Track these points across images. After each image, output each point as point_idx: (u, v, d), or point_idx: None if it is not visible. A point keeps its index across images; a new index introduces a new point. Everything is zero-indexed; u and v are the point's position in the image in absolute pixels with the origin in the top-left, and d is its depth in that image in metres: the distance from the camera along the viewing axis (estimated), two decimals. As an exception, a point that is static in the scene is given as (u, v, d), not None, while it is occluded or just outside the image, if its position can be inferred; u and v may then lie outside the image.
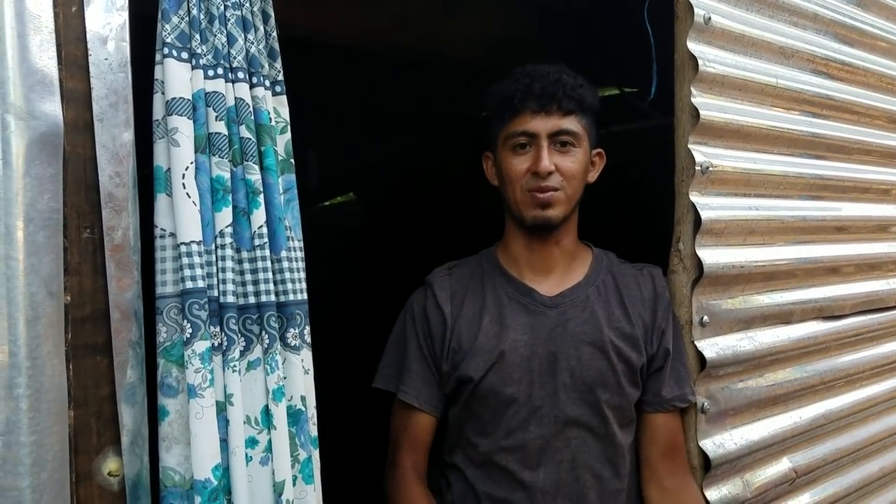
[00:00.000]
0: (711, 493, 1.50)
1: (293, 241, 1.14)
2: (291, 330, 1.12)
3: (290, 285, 1.11)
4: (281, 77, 1.14)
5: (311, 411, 1.14)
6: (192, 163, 1.02)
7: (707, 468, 1.50)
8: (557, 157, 1.41)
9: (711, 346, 1.52)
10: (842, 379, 1.85)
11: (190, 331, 1.00)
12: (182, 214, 1.01)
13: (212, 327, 1.03)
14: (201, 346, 1.00)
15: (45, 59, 0.92)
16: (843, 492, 1.86)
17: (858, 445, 1.90)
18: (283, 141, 1.14)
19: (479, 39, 1.99)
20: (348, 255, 3.79)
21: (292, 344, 1.12)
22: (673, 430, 1.49)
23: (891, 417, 2.02)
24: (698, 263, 1.49)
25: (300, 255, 1.15)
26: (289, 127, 1.14)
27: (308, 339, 1.14)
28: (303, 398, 1.12)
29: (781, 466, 1.68)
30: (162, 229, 1.04)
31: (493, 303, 1.46)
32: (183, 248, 1.01)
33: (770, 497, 1.66)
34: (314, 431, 1.14)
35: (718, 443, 1.53)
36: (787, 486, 1.69)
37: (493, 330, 1.43)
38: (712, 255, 1.50)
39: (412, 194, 3.80)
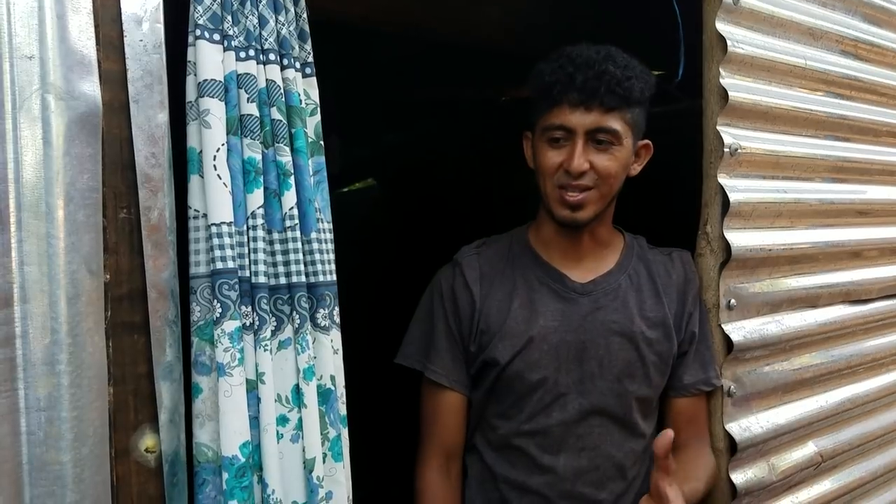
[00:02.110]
0: (737, 477, 1.51)
1: (323, 222, 1.15)
2: (321, 310, 1.13)
3: (319, 266, 1.12)
4: (311, 59, 1.14)
5: (341, 390, 1.16)
6: (223, 144, 1.03)
7: (733, 451, 1.50)
8: (594, 155, 1.33)
9: (738, 330, 1.52)
10: (868, 363, 1.84)
11: (220, 310, 1.01)
12: (213, 195, 1.02)
13: (243, 307, 1.04)
14: (230, 325, 1.01)
15: (84, 39, 0.93)
16: (869, 476, 1.85)
17: (884, 430, 1.89)
18: (313, 123, 1.14)
19: (504, 23, 1.98)
20: (367, 241, 3.80)
21: (322, 324, 1.13)
22: (694, 409, 1.49)
23: (917, 403, 2.01)
24: (726, 246, 1.48)
25: (329, 236, 1.16)
26: (318, 109, 1.15)
27: (337, 319, 1.15)
28: (332, 377, 1.13)
29: (807, 450, 1.68)
30: (195, 210, 1.05)
31: (523, 286, 1.45)
32: (213, 229, 1.02)
33: (795, 481, 1.66)
34: (343, 410, 1.16)
35: (744, 426, 1.53)
36: (812, 471, 1.69)
37: (523, 315, 1.42)
38: (740, 238, 1.50)
39: (433, 180, 3.79)
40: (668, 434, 1.20)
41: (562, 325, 1.41)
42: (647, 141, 1.44)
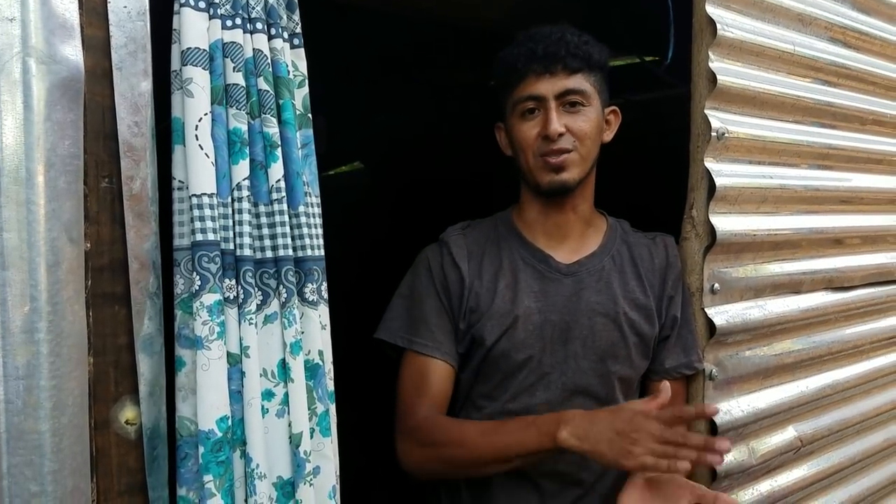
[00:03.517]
0: (717, 459, 1.52)
1: (311, 196, 1.13)
2: (309, 285, 1.11)
3: (307, 240, 1.11)
4: (299, 30, 1.13)
5: (329, 366, 1.15)
6: (206, 114, 1.01)
7: (713, 434, 1.51)
8: (567, 118, 1.38)
9: (721, 314, 1.52)
10: (849, 350, 1.86)
11: (199, 283, 1.00)
12: (194, 166, 1.01)
13: (226, 280, 1.03)
14: (210, 298, 1.00)
15: (67, 2, 0.91)
16: (848, 462, 1.87)
17: (863, 417, 1.91)
18: (301, 95, 1.13)
19: (497, 3, 1.97)
20: (354, 226, 3.78)
21: (310, 299, 1.12)
22: (676, 395, 1.48)
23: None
24: (711, 231, 1.49)
25: (318, 210, 1.15)
26: (307, 81, 1.13)
27: (325, 295, 1.14)
28: (320, 353, 1.12)
29: (787, 435, 1.70)
30: (179, 181, 1.04)
31: (508, 267, 1.45)
32: (194, 200, 1.00)
33: (775, 465, 1.67)
34: (331, 386, 1.15)
35: (725, 409, 1.54)
36: (792, 455, 1.71)
37: (509, 295, 1.42)
38: (725, 223, 1.50)
39: (423, 164, 3.78)
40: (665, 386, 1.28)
41: (546, 306, 1.42)
42: (614, 107, 1.49)
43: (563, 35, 1.37)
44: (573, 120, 1.38)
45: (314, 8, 1.35)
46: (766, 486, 1.66)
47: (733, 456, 1.55)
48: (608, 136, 1.48)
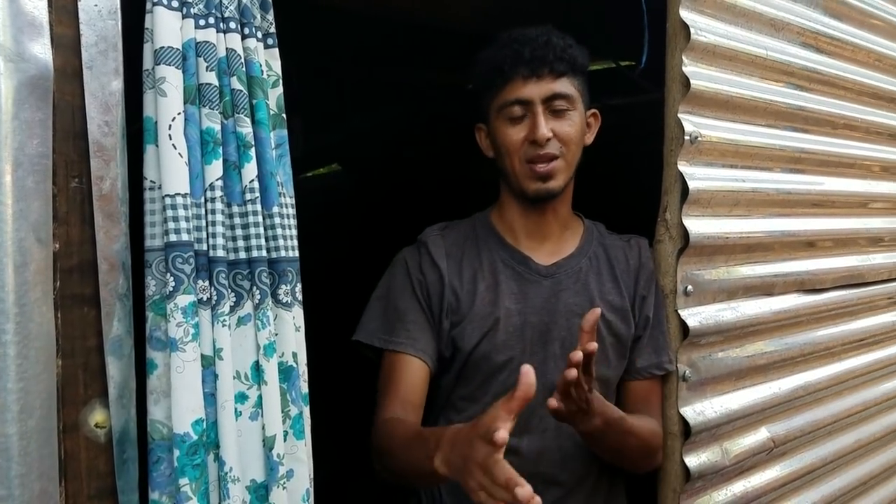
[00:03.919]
0: (691, 460, 1.52)
1: (285, 197, 1.13)
2: (283, 287, 1.11)
3: (281, 241, 1.10)
4: (273, 30, 1.12)
5: (303, 368, 1.14)
6: (179, 113, 1.01)
7: (687, 435, 1.52)
8: (554, 123, 1.37)
9: (695, 316, 1.53)
10: (821, 352, 1.88)
11: (173, 284, 0.99)
12: (167, 166, 1.00)
13: (200, 281, 1.02)
14: (184, 300, 0.99)
15: (35, 0, 0.90)
16: (820, 462, 1.89)
17: (834, 418, 1.93)
18: (276, 95, 1.12)
19: (476, 5, 1.97)
20: (332, 228, 3.76)
21: (284, 301, 1.11)
22: (649, 394, 1.51)
23: (867, 391, 2.06)
24: (684, 233, 1.50)
25: (292, 211, 1.14)
26: (280, 81, 1.13)
27: (300, 296, 1.13)
28: (294, 355, 1.12)
29: (760, 436, 1.71)
30: (151, 181, 1.03)
31: (488, 269, 1.45)
32: (167, 201, 0.99)
33: (748, 465, 1.69)
34: (305, 388, 1.14)
35: (699, 410, 1.55)
36: (764, 455, 1.72)
37: (489, 297, 1.42)
38: (698, 225, 1.51)
39: (401, 166, 3.77)
40: (596, 311, 1.20)
41: (526, 307, 1.43)
42: (594, 110, 1.49)
43: (549, 38, 1.37)
44: (559, 125, 1.38)
45: (290, 7, 1.35)
46: (739, 487, 1.68)
47: (707, 456, 1.57)
48: (589, 138, 1.48)
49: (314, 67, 2.71)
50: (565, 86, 1.38)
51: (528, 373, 0.98)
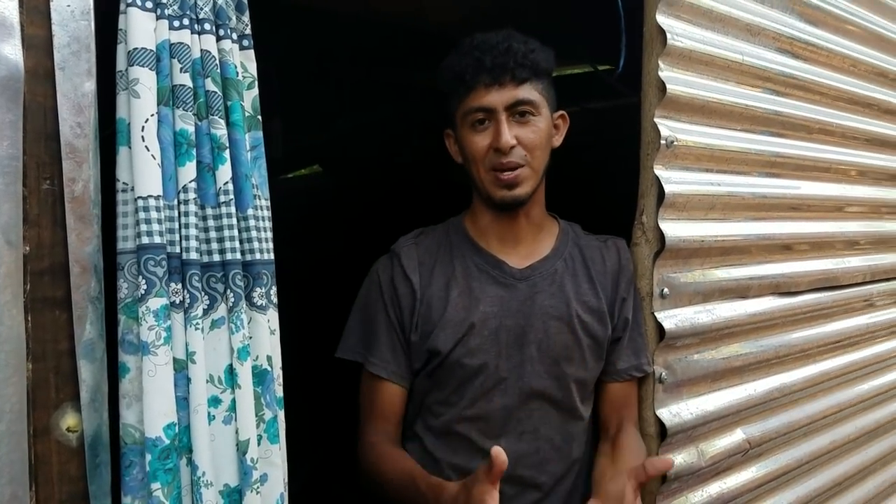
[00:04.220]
0: (667, 461, 1.54)
1: (260, 199, 1.12)
2: (258, 289, 1.10)
3: (256, 244, 1.10)
4: (248, 31, 1.12)
5: (277, 371, 1.14)
6: (152, 115, 1.00)
7: (663, 437, 1.53)
8: (518, 130, 1.37)
9: (671, 318, 1.55)
10: (796, 354, 1.90)
11: (145, 287, 0.98)
12: (140, 168, 0.99)
13: (172, 284, 1.01)
14: (156, 303, 0.99)
15: (6, 0, 0.89)
16: (795, 463, 1.91)
17: (809, 419, 1.95)
18: (251, 97, 1.12)
19: (456, 7, 1.97)
20: (312, 230, 3.74)
21: (259, 303, 1.10)
22: (625, 393, 1.52)
23: (841, 393, 2.08)
24: (660, 236, 1.51)
25: (267, 213, 1.14)
26: (256, 83, 1.12)
27: (275, 299, 1.13)
28: (269, 358, 1.11)
29: (735, 437, 1.73)
30: (124, 183, 1.02)
31: (462, 274, 1.46)
32: (140, 203, 0.99)
33: (724, 467, 1.70)
34: (280, 392, 1.14)
35: (675, 412, 1.56)
36: (740, 457, 1.74)
37: (463, 302, 1.43)
38: (674, 229, 1.53)
39: (382, 168, 3.77)
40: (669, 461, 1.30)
41: (501, 311, 1.43)
42: (562, 112, 1.49)
43: (510, 45, 1.36)
44: (524, 131, 1.38)
45: (266, 9, 1.35)
46: (715, 488, 1.69)
47: (683, 458, 1.58)
48: (557, 140, 1.48)
49: (298, 66, 2.70)
50: (528, 91, 1.38)
51: (497, 453, 1.10)
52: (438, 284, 1.45)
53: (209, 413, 1.05)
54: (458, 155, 1.48)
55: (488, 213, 1.48)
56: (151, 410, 0.98)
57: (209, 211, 1.06)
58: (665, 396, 1.55)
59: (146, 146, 0.98)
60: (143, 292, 0.98)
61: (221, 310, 1.07)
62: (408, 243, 1.51)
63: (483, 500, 1.11)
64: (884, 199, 2.22)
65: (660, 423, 1.52)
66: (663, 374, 1.53)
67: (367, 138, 3.69)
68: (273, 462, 1.11)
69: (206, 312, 1.06)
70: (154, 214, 0.98)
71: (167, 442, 0.99)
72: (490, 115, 1.37)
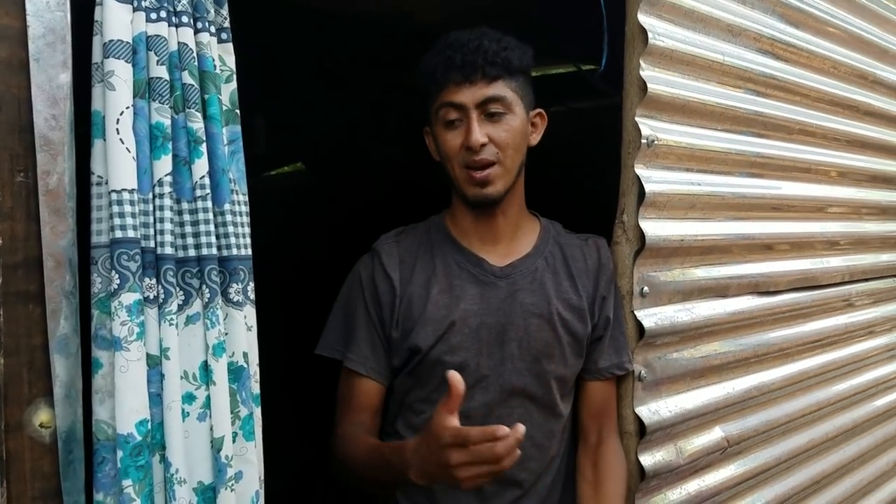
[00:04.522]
0: (646, 459, 1.54)
1: (237, 194, 1.12)
2: (234, 285, 1.10)
3: (233, 239, 1.09)
4: (227, 24, 1.11)
5: (254, 368, 1.13)
6: (127, 108, 0.99)
7: (642, 434, 1.54)
8: (489, 128, 1.37)
9: (650, 317, 1.55)
10: (774, 353, 1.91)
11: (118, 282, 0.98)
12: (114, 161, 0.98)
13: (146, 279, 1.00)
14: (129, 298, 0.98)
15: (-23, -10, 0.88)
16: (774, 462, 1.92)
17: (788, 418, 1.96)
18: (229, 90, 1.11)
19: (441, 5, 1.97)
20: (294, 228, 3.73)
21: (235, 300, 1.10)
22: (606, 395, 1.53)
23: (820, 392, 2.10)
24: (641, 235, 1.51)
25: (245, 209, 1.13)
26: (234, 76, 1.11)
27: (252, 295, 1.12)
28: (245, 355, 1.10)
29: (714, 435, 1.73)
30: (98, 176, 1.01)
31: (442, 272, 1.46)
32: (114, 196, 0.98)
33: (702, 464, 1.71)
34: (256, 389, 1.13)
35: (654, 410, 1.57)
36: (718, 455, 1.75)
37: (443, 300, 1.43)
38: (654, 228, 1.53)
39: (365, 165, 3.75)
40: None
41: (482, 309, 1.43)
42: (540, 110, 1.48)
43: (480, 42, 1.36)
44: (495, 129, 1.37)
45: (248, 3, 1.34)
46: (693, 486, 1.70)
47: (662, 455, 1.59)
48: (535, 139, 1.48)
49: (281, 63, 2.69)
50: (500, 89, 1.37)
51: (453, 375, 1.10)
52: (419, 282, 1.45)
53: (183, 410, 1.04)
54: (436, 153, 1.48)
55: (467, 211, 1.48)
56: (123, 407, 0.97)
57: (185, 205, 1.05)
58: (644, 394, 1.55)
59: (121, 139, 0.97)
60: (115, 287, 0.97)
61: (197, 305, 1.07)
62: (388, 241, 1.51)
63: (442, 426, 1.09)
64: (864, 199, 2.24)
65: (639, 421, 1.53)
66: (643, 372, 1.54)
67: (349, 136, 3.68)
68: (248, 459, 1.10)
69: (180, 308, 1.06)
70: (128, 208, 0.97)
71: (139, 438, 0.98)
72: (461, 112, 1.37)
